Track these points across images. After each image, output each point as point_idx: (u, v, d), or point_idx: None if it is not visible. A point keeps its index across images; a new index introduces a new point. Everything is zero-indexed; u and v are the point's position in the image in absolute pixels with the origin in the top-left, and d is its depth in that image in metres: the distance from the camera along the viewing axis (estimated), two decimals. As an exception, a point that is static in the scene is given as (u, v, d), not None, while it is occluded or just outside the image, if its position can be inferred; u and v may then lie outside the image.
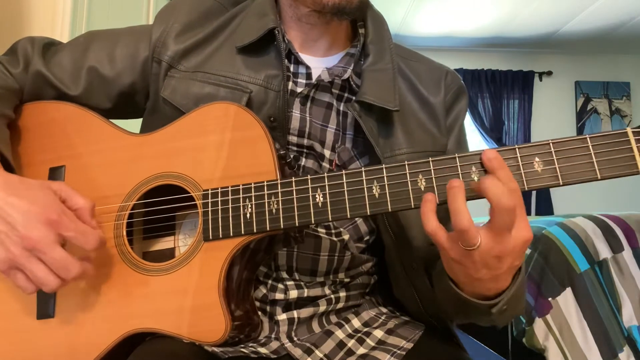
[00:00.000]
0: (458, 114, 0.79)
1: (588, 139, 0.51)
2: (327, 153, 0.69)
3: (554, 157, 0.52)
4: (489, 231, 0.49)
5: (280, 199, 0.57)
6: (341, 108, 0.71)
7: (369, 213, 0.55)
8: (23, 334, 0.62)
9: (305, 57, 0.72)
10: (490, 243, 0.49)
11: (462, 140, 0.80)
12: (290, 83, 0.70)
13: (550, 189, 4.58)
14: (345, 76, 0.71)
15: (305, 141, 0.69)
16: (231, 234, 0.58)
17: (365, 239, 0.72)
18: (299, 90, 0.70)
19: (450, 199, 0.49)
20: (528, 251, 1.98)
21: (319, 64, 0.72)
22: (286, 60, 0.69)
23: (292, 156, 0.66)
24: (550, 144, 0.52)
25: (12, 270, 0.54)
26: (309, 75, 0.71)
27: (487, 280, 0.53)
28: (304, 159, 0.69)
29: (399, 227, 0.68)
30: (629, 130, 0.50)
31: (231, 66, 0.70)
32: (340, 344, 0.67)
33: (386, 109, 0.69)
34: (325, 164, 0.69)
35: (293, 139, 0.69)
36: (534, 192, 4.63)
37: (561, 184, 0.51)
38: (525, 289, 0.64)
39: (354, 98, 0.70)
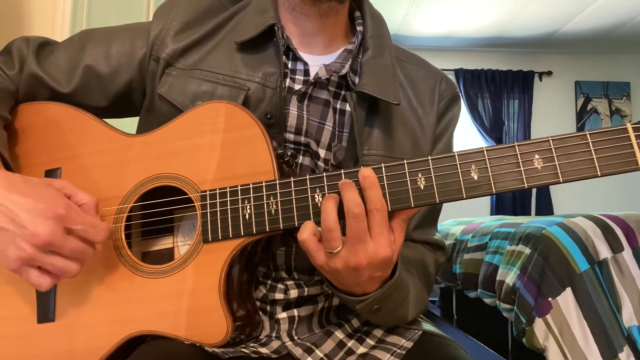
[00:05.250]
0: (449, 122, 0.78)
1: (588, 135, 0.51)
2: (322, 152, 0.69)
3: (554, 154, 0.51)
4: (346, 241, 0.53)
5: (279, 199, 0.57)
6: (338, 106, 0.71)
7: None
8: (24, 338, 0.62)
9: (303, 55, 0.72)
10: (347, 254, 0.53)
11: (450, 150, 0.78)
12: (288, 80, 0.69)
13: (550, 189, 4.57)
14: (343, 72, 0.70)
15: (302, 139, 0.68)
16: (230, 236, 0.58)
17: None
18: (296, 87, 0.69)
19: (323, 202, 0.54)
20: (528, 251, 1.98)
21: (317, 61, 0.72)
22: (284, 57, 0.69)
23: (289, 154, 0.65)
24: (550, 140, 0.51)
25: (24, 268, 0.54)
26: (306, 72, 0.71)
27: (352, 285, 0.57)
28: (301, 157, 0.69)
29: None
30: (629, 125, 0.50)
31: (229, 64, 0.70)
32: (340, 344, 0.67)
33: (383, 104, 0.69)
34: (321, 163, 0.69)
35: (290, 136, 0.68)
36: (534, 192, 4.62)
37: (561, 181, 0.51)
38: (410, 293, 0.65)
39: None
